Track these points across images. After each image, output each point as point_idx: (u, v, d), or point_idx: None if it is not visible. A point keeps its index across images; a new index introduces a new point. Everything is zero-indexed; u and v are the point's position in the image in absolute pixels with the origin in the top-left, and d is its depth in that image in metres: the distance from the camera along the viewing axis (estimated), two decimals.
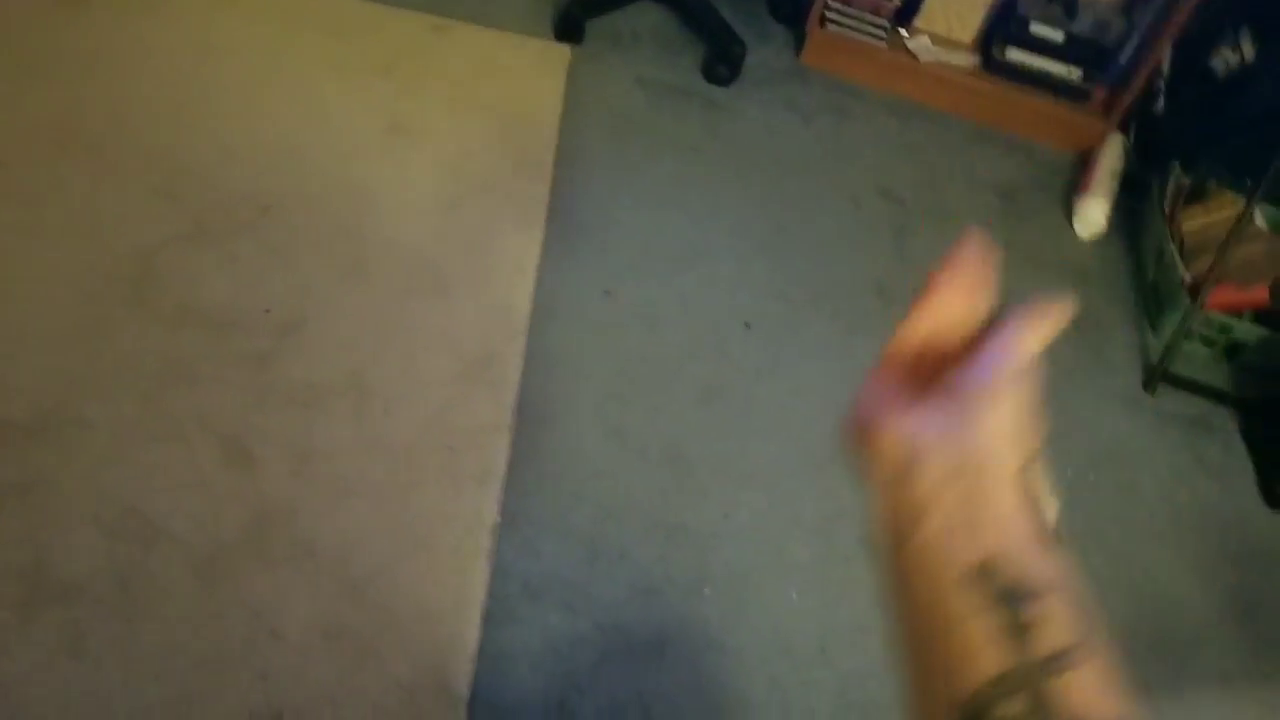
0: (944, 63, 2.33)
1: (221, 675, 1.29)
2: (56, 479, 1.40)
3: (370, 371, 1.59)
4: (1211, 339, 2.01)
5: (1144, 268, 2.17)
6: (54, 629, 1.28)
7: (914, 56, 2.33)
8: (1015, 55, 2.30)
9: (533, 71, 2.13)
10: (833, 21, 2.31)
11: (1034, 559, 0.38)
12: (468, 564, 1.42)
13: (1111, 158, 2.29)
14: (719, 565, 1.48)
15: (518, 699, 1.31)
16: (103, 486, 1.41)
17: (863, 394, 0.47)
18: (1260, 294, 1.97)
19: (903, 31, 2.35)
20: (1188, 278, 1.98)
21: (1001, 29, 2.31)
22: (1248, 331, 1.97)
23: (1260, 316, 2.00)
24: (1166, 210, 2.14)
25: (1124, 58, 2.31)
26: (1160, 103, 2.34)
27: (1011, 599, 0.37)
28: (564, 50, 2.17)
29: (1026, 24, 2.25)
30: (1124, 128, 2.36)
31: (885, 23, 2.30)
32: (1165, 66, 2.32)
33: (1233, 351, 2.03)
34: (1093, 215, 2.19)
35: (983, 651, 0.36)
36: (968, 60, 2.35)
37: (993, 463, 0.40)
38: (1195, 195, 2.17)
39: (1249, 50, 2.23)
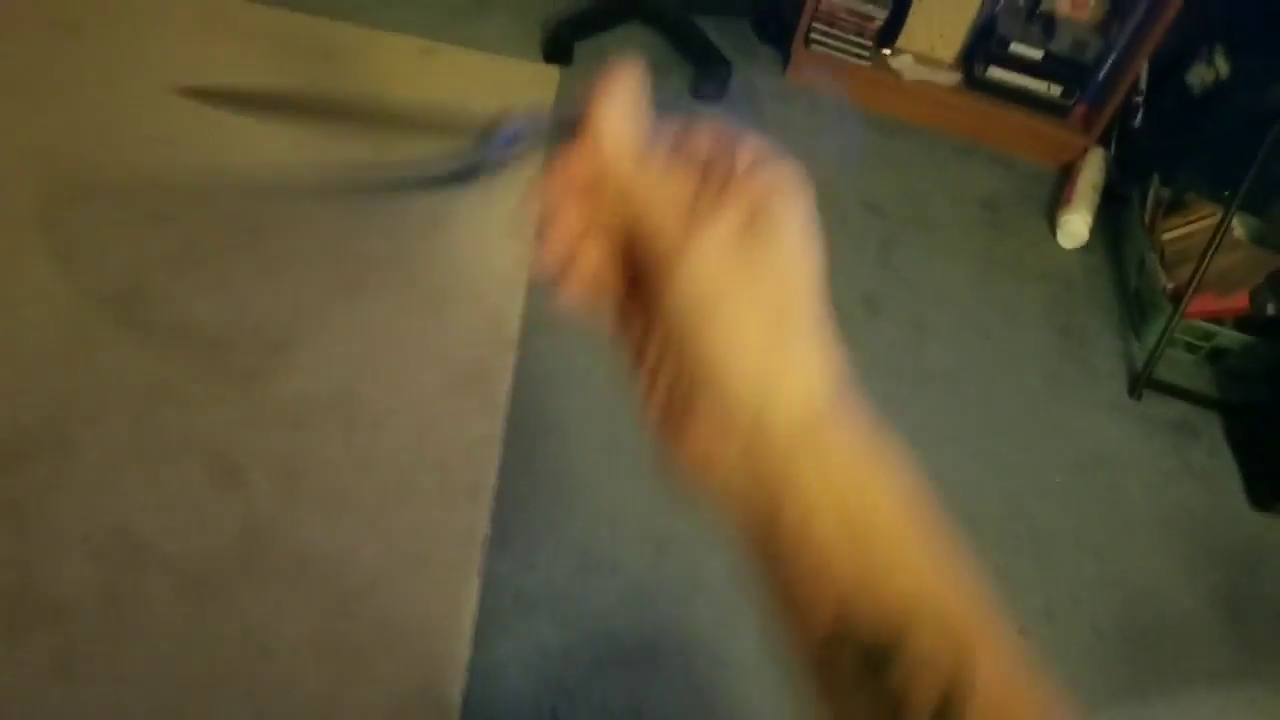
0: (927, 81, 2.36)
1: (211, 694, 1.28)
2: (45, 499, 1.40)
3: (360, 388, 1.60)
4: (1195, 345, 2.03)
5: (1126, 277, 2.19)
6: (42, 650, 1.27)
7: (897, 75, 2.36)
8: (996, 73, 2.34)
9: (522, 93, 2.15)
10: (817, 41, 2.34)
11: (886, 577, 0.34)
12: (459, 577, 1.42)
13: (1092, 171, 2.32)
14: (711, 574, 1.48)
15: (510, 711, 1.31)
16: (91, 506, 1.40)
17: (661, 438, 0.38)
18: (1240, 301, 1.99)
19: (886, 51, 2.38)
20: (1169, 286, 2.00)
21: (982, 48, 2.34)
22: (1230, 337, 2.00)
23: (1242, 323, 2.02)
24: (1147, 221, 2.16)
25: (1102, 75, 2.35)
26: (1139, 117, 2.38)
27: (876, 664, 0.33)
28: (552, 72, 2.20)
29: (1007, 43, 2.29)
30: (1104, 142, 2.40)
31: (869, 42, 2.34)
32: (1143, 83, 2.36)
33: (1216, 357, 2.05)
34: (1075, 227, 2.21)
35: None
36: (950, 78, 2.38)
37: (798, 461, 0.35)
38: (1175, 206, 2.20)
39: (1223, 66, 2.27)
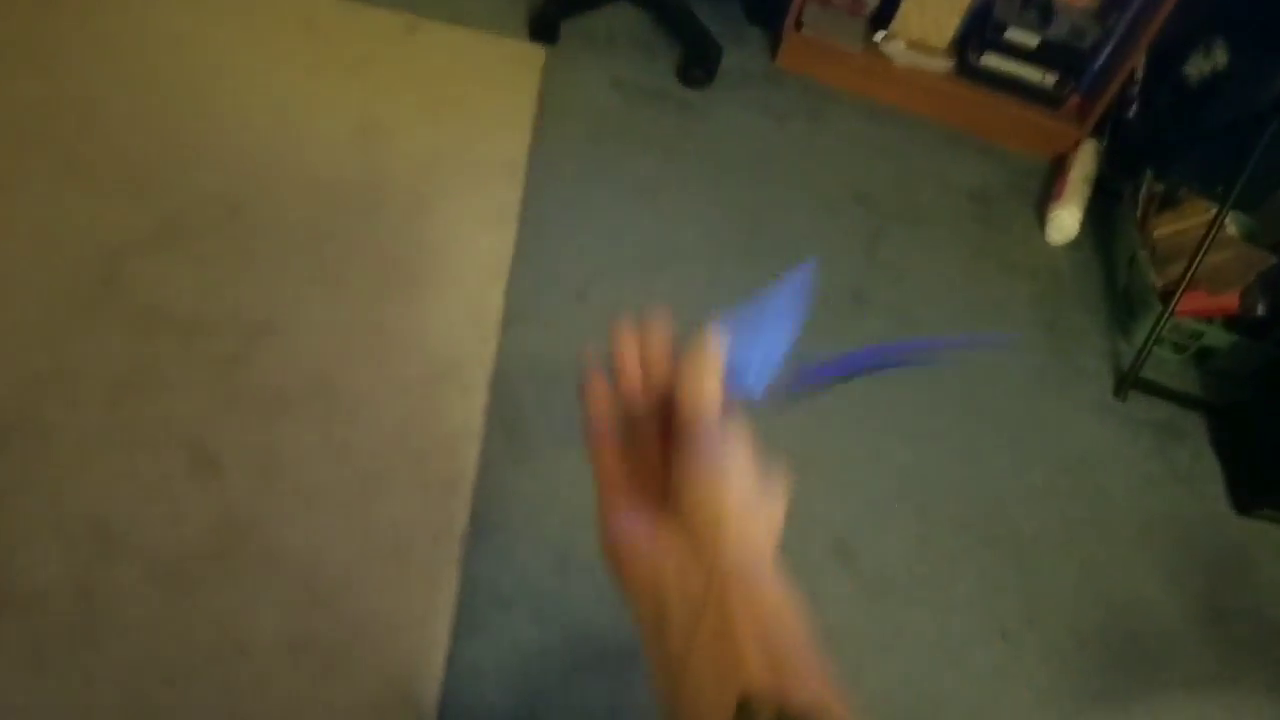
0: (919, 67, 2.33)
1: (186, 688, 1.26)
2: (18, 487, 1.37)
3: (339, 375, 1.57)
4: (1182, 345, 2.02)
5: (1116, 274, 2.18)
6: (14, 640, 1.26)
7: (889, 60, 2.33)
8: (990, 60, 2.31)
9: (506, 71, 2.11)
10: (808, 25, 2.30)
11: (793, 683, 0.41)
12: (437, 573, 1.41)
13: (1084, 164, 2.30)
14: None
15: (487, 710, 1.30)
16: (65, 495, 1.38)
17: (604, 526, 0.49)
18: (1231, 300, 1.98)
19: (878, 36, 2.35)
20: (1159, 284, 1.99)
21: (977, 34, 2.31)
22: (1218, 337, 1.99)
23: (1230, 322, 2.02)
24: (1139, 216, 2.15)
25: (1098, 64, 2.32)
26: (1134, 109, 2.35)
27: None
28: (538, 50, 2.16)
29: (1002, 29, 2.26)
30: (1097, 134, 2.37)
31: (861, 27, 2.30)
32: (1139, 73, 2.33)
33: (1203, 357, 2.04)
34: (1065, 221, 2.19)
35: None
36: (943, 65, 2.35)
37: (737, 579, 0.44)
38: (1167, 202, 2.18)
39: (1222, 58, 2.25)
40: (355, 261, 1.72)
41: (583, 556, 1.46)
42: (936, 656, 1.49)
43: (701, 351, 0.50)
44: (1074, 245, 2.21)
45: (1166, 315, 1.91)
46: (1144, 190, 2.18)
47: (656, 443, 0.52)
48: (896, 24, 2.34)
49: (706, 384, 0.49)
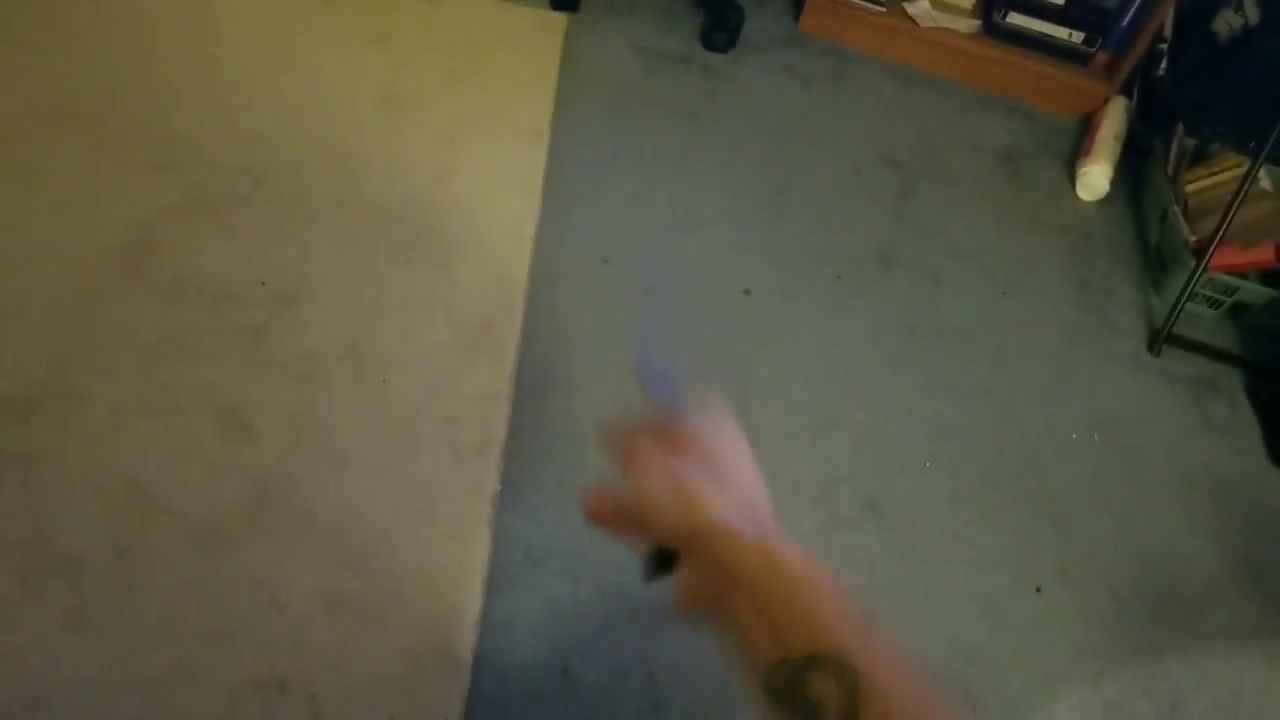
0: (944, 28, 2.31)
1: (224, 645, 1.28)
2: (55, 452, 1.39)
3: (368, 341, 1.58)
4: (1216, 300, 2.00)
5: (1148, 230, 2.15)
6: (54, 602, 1.28)
7: (914, 22, 2.30)
8: (1016, 20, 2.28)
9: (528, 40, 2.10)
10: None
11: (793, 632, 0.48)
12: (469, 532, 1.42)
13: (1114, 121, 2.27)
14: None
15: (521, 665, 1.31)
16: (101, 459, 1.40)
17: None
18: (1265, 254, 1.95)
19: None
20: (1192, 239, 1.96)
21: None
22: (1253, 292, 1.96)
23: (1265, 277, 1.99)
24: (1170, 172, 2.12)
25: (1126, 21, 2.28)
26: (1162, 66, 2.32)
27: (802, 680, 0.46)
28: (560, 18, 2.15)
29: None
30: (1126, 91, 2.34)
31: None
32: (1167, 29, 2.29)
33: (1237, 312, 2.01)
34: (1095, 179, 2.17)
35: None
36: (968, 25, 2.32)
37: (746, 570, 0.52)
38: (1198, 157, 2.15)
39: (1252, 12, 2.21)
40: (381, 229, 1.73)
41: None
42: (970, 611, 1.48)
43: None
44: (1105, 202, 2.18)
45: (1200, 271, 1.88)
46: (1174, 146, 2.15)
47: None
48: None
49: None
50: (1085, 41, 2.29)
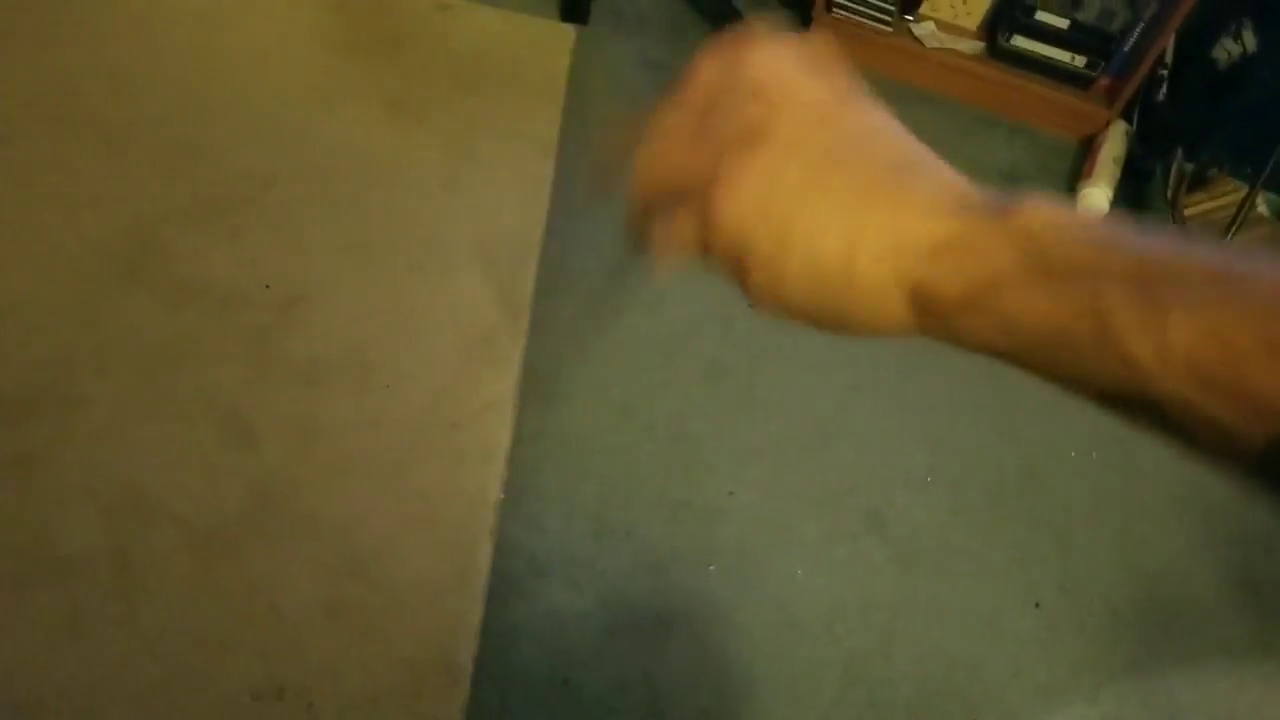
0: (949, 49, 2.32)
1: (222, 653, 1.27)
2: (54, 455, 1.38)
3: (372, 347, 1.58)
4: None
5: None
6: (51, 607, 1.27)
7: (919, 42, 2.32)
8: (1020, 42, 2.29)
9: (537, 51, 2.11)
10: (839, 6, 2.30)
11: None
12: (471, 540, 1.41)
13: (1114, 144, 2.29)
14: (724, 542, 1.47)
15: (522, 675, 1.30)
16: (101, 463, 1.39)
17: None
18: None
19: (908, 18, 2.34)
20: None
21: (1007, 16, 2.30)
22: None
23: None
24: (1169, 196, 2.13)
25: (1128, 46, 2.30)
26: (1163, 91, 2.34)
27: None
28: (568, 30, 2.16)
29: (1033, 11, 2.24)
30: (1127, 115, 2.36)
31: (891, 9, 2.29)
32: (1168, 55, 2.32)
33: None
34: (1096, 200, 2.18)
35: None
36: (973, 46, 2.34)
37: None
38: (1197, 182, 2.17)
39: (1250, 40, 2.23)
40: (387, 236, 1.73)
41: (617, 526, 1.46)
42: (970, 625, 1.48)
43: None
44: None
45: None
46: (1174, 170, 2.17)
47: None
48: (926, 5, 2.33)
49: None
50: (1087, 65, 2.31)
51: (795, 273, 0.38)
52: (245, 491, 1.40)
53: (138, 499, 1.36)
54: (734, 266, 0.40)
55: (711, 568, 1.44)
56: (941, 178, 0.40)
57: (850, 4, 2.29)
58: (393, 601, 1.34)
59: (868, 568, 1.50)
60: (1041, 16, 2.25)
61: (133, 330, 1.52)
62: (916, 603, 1.49)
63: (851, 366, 1.75)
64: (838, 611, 1.44)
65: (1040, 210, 0.37)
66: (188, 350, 1.52)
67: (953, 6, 2.34)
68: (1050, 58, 2.31)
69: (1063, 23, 2.26)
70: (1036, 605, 1.52)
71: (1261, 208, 2.09)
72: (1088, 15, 2.25)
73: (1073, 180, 2.27)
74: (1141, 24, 2.27)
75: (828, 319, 0.40)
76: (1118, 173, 2.24)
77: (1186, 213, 2.08)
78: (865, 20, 2.30)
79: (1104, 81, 2.36)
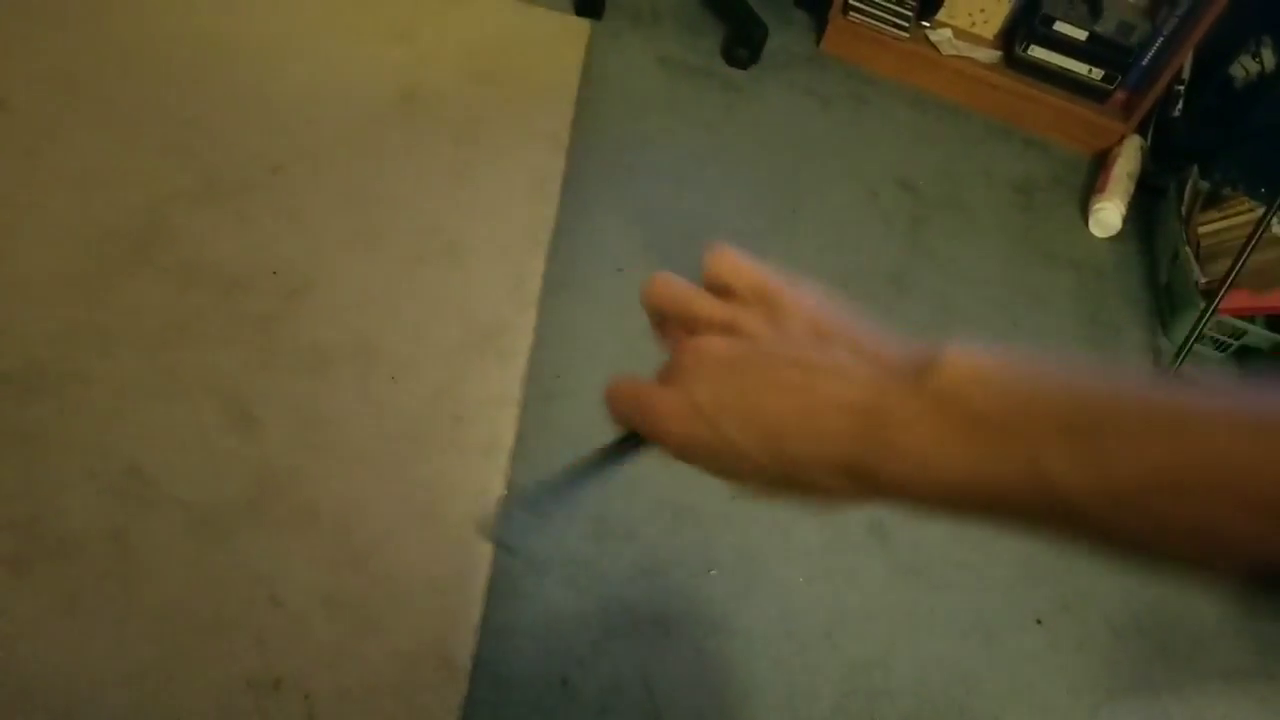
0: (966, 57, 2.31)
1: (219, 639, 1.26)
2: (55, 433, 1.37)
3: (378, 338, 1.57)
4: (1223, 343, 2.00)
5: (1158, 270, 2.15)
6: (49, 586, 1.26)
7: (935, 49, 2.31)
8: (1038, 53, 2.28)
9: (551, 44, 2.10)
10: (855, 9, 2.29)
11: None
12: (473, 536, 1.40)
13: (1128, 159, 2.28)
14: (726, 547, 1.46)
15: (520, 673, 1.29)
16: (102, 442, 1.38)
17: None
18: (1275, 300, 1.96)
19: (925, 24, 2.33)
20: (1202, 281, 1.97)
21: (1026, 26, 2.29)
22: (1260, 336, 1.96)
23: (1273, 322, 1.99)
24: (1183, 213, 2.12)
25: (1145, 60, 2.29)
26: (1179, 107, 2.33)
27: None
28: (584, 24, 2.15)
29: (1051, 21, 2.23)
30: (1142, 130, 2.35)
31: (908, 14, 2.28)
32: (1185, 72, 2.31)
33: (1243, 356, 2.02)
34: (1109, 216, 2.17)
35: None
36: (989, 55, 2.33)
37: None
38: (1212, 200, 2.16)
39: (1269, 59, 2.22)
40: (396, 225, 1.72)
41: (618, 527, 1.45)
42: (970, 639, 1.47)
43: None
44: (1117, 240, 2.19)
45: (1209, 314, 1.88)
46: (1188, 188, 2.16)
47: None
48: (944, 13, 2.33)
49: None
50: (1104, 79, 2.30)
51: (745, 457, 0.40)
52: (246, 477, 1.39)
53: (138, 480, 1.35)
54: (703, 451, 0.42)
55: (712, 572, 1.43)
56: (866, 341, 0.41)
57: (867, 7, 2.28)
58: (392, 595, 1.33)
59: (869, 578, 1.49)
60: (1060, 28, 2.24)
61: (137, 311, 1.51)
62: (917, 615, 1.48)
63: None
64: (838, 621, 1.43)
65: (961, 362, 0.36)
66: (192, 333, 1.51)
67: (970, 14, 2.33)
68: (1067, 69, 2.30)
69: (1081, 34, 2.25)
70: (1038, 622, 1.51)
71: (1276, 228, 2.07)
72: (1106, 28, 2.24)
73: (1085, 194, 2.26)
74: (1160, 38, 2.26)
75: (788, 496, 0.41)
76: (1131, 188, 2.23)
77: (1200, 231, 2.07)
78: (881, 25, 2.29)
79: (1120, 95, 2.35)
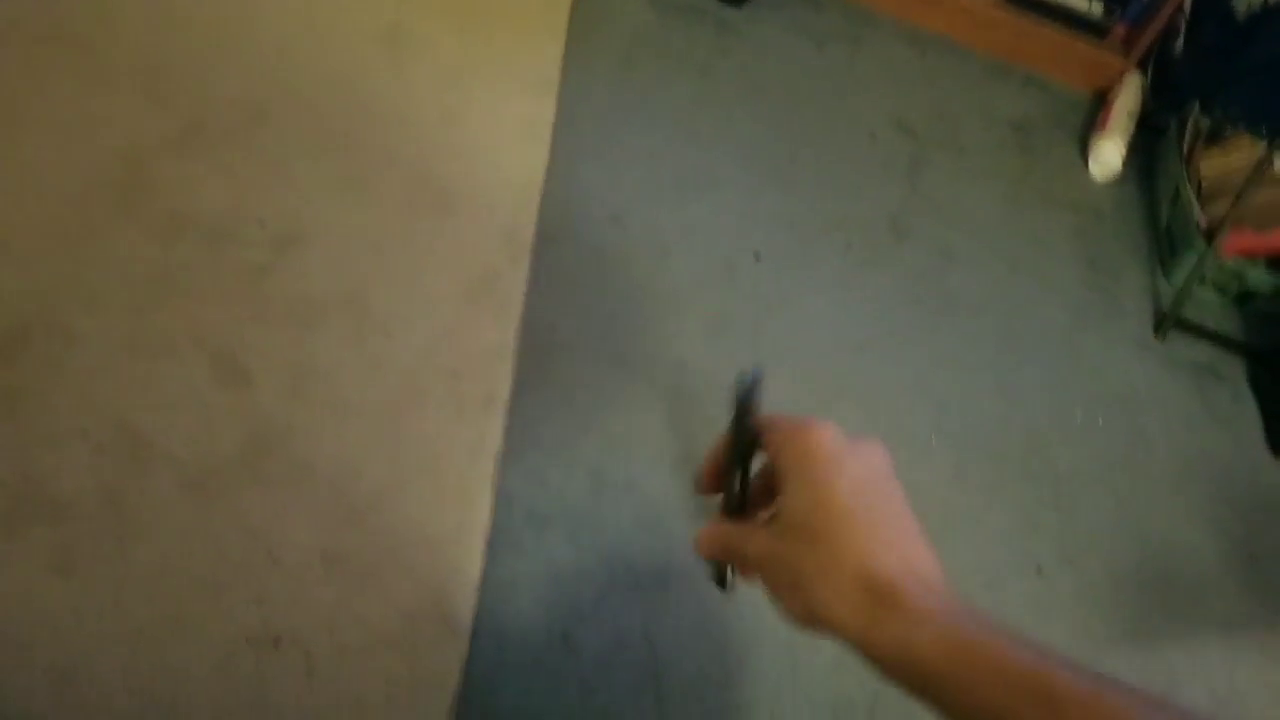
0: None
1: (217, 598, 1.25)
2: (43, 391, 1.34)
3: (370, 289, 1.54)
4: (1225, 285, 1.98)
5: (1159, 211, 2.13)
6: (42, 547, 1.24)
7: None
8: None
9: (535, 16, 2.03)
10: None
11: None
12: (471, 491, 1.39)
13: (1129, 97, 2.24)
14: None
15: (521, 628, 1.29)
16: (92, 400, 1.35)
17: (794, 617, 0.56)
18: (1278, 239, 1.94)
19: None
20: (1203, 221, 1.95)
21: None
22: (1261, 280, 1.95)
23: (1274, 264, 1.97)
24: (1184, 152, 2.09)
25: None
26: (1179, 42, 2.28)
27: None
28: None
29: None
30: (1143, 66, 2.30)
31: None
32: (1186, 5, 2.26)
33: (1244, 299, 2.01)
34: (1108, 155, 2.14)
35: None
36: None
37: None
38: (1213, 138, 2.12)
39: None
40: (385, 173, 1.67)
41: (618, 480, 1.44)
42: (970, 588, 1.47)
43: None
44: (1117, 180, 2.16)
45: (1210, 253, 1.87)
46: (1189, 126, 2.13)
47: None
48: None
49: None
50: (1105, 13, 2.25)
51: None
52: (240, 434, 1.37)
53: (130, 438, 1.33)
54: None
55: None
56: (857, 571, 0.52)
57: None
58: (391, 551, 1.32)
59: None
60: None
61: (122, 264, 1.47)
62: None
63: (858, 325, 1.72)
64: None
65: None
66: (179, 286, 1.47)
67: None
68: (1066, 3, 2.25)
69: None
70: (1038, 570, 1.52)
71: (1278, 166, 2.05)
72: None
73: (1085, 134, 2.22)
74: None
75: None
76: (1132, 127, 2.20)
77: (1202, 169, 2.04)
78: None
79: (1120, 30, 2.30)
